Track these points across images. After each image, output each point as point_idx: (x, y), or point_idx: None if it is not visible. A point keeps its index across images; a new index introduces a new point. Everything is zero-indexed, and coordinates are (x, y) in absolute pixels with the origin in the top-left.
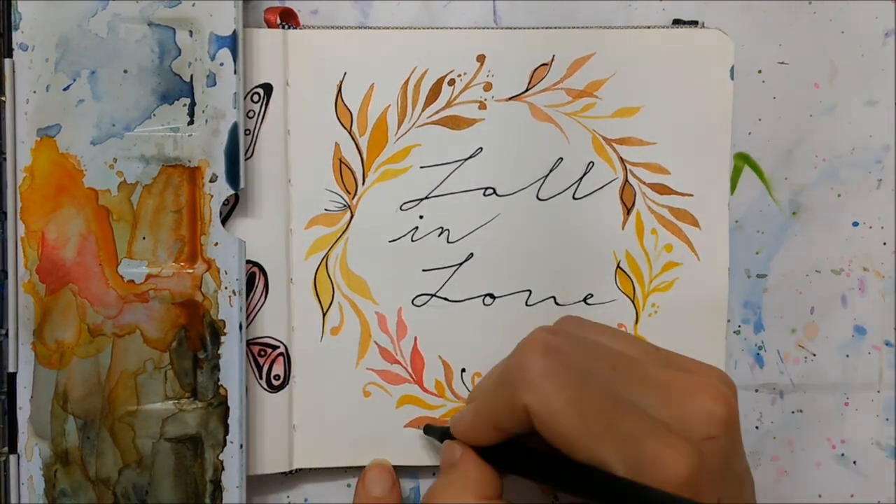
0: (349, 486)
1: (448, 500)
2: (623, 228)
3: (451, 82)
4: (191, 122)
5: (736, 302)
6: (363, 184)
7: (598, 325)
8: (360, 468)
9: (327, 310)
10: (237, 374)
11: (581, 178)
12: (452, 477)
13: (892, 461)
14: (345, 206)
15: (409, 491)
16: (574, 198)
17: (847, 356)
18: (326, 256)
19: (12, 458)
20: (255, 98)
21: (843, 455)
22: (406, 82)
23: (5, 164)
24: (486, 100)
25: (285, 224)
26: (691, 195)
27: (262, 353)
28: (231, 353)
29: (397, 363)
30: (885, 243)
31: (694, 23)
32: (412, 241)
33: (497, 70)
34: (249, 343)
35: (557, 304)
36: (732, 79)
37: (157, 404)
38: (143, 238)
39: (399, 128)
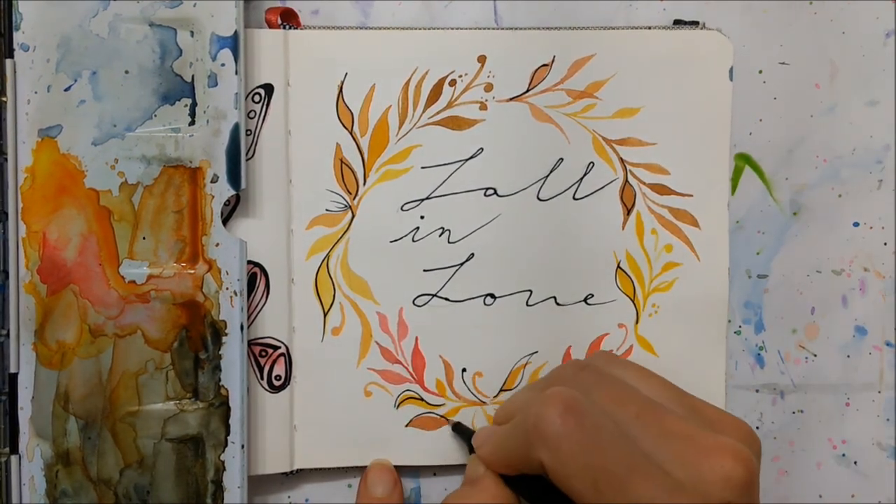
0: (350, 486)
1: None
2: (623, 229)
3: (452, 83)
4: (192, 123)
5: (737, 302)
6: (364, 184)
7: (628, 363)
8: (362, 468)
9: (328, 310)
10: (238, 375)
11: (581, 179)
12: (471, 493)
13: (893, 461)
14: (346, 206)
15: (410, 491)
16: (574, 198)
17: (848, 356)
18: (327, 257)
19: (13, 458)
20: (257, 98)
21: (843, 455)
22: (407, 83)
23: (6, 165)
24: (486, 100)
25: (286, 224)
26: (691, 195)
27: (264, 353)
28: (232, 353)
29: (398, 363)
30: (885, 243)
31: (695, 23)
32: (413, 241)
33: (498, 71)
34: (250, 343)
35: (558, 304)
36: (732, 80)
37: (159, 405)
38: (144, 238)
39: (400, 128)
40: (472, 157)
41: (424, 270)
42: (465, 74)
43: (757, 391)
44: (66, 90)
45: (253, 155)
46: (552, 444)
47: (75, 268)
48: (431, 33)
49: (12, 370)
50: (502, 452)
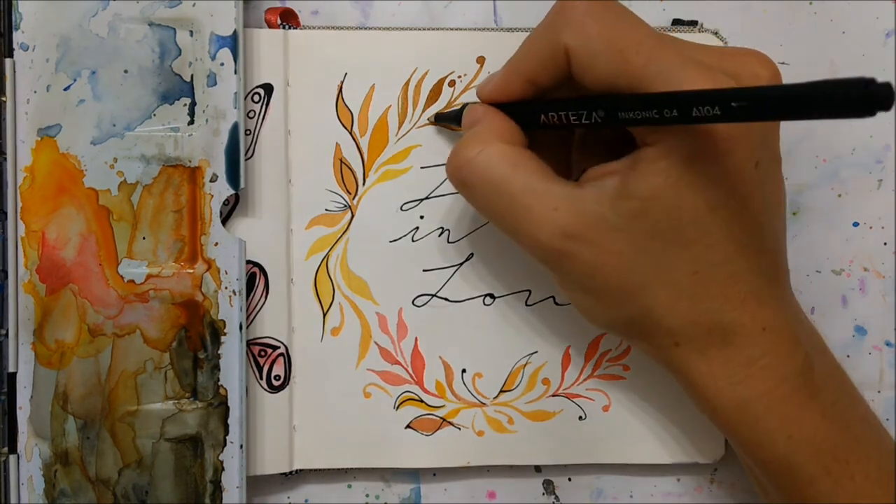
0: (350, 486)
1: (473, 147)
2: None
3: (452, 83)
4: (191, 122)
5: None
6: (364, 184)
7: None
8: (361, 469)
9: (328, 310)
10: (237, 375)
11: None
12: (476, 129)
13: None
14: (345, 206)
15: (410, 492)
16: None
17: (847, 356)
18: (327, 257)
19: (12, 458)
20: (256, 98)
21: None
22: (407, 83)
23: (6, 164)
24: None
25: (286, 224)
26: None
27: (263, 353)
28: (231, 353)
29: (398, 364)
30: (885, 243)
31: (693, 23)
32: (412, 241)
33: None
34: (250, 343)
35: (557, 303)
36: None
37: (158, 404)
38: (144, 238)
39: (399, 128)
40: None
41: (424, 270)
42: (465, 75)
43: None
44: (65, 90)
45: (252, 154)
46: (578, 23)
47: (74, 267)
48: (431, 34)
49: (11, 369)
50: (515, 71)
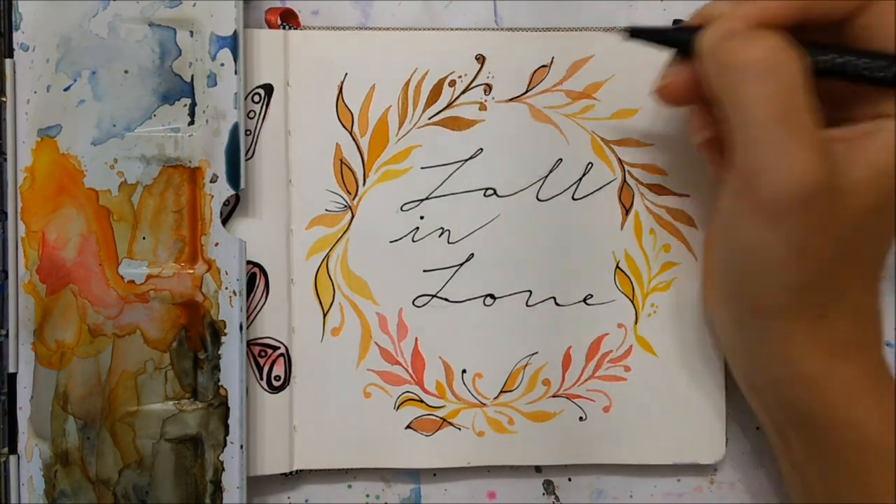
0: (350, 486)
1: (770, 38)
2: (622, 229)
3: (452, 83)
4: (191, 123)
5: None
6: (364, 184)
7: None
8: (361, 469)
9: (328, 310)
10: (237, 375)
11: (580, 179)
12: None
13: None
14: (345, 206)
15: (410, 492)
16: (573, 198)
17: None
18: (327, 257)
19: (12, 458)
20: (256, 98)
21: None
22: (407, 83)
23: (6, 165)
24: (486, 101)
25: (286, 224)
26: (687, 195)
27: (263, 353)
28: (231, 353)
29: (398, 364)
30: None
31: None
32: (413, 241)
33: (497, 71)
34: (250, 343)
35: (557, 304)
36: None
37: (158, 405)
38: (144, 238)
39: (400, 128)
40: (471, 158)
41: (424, 271)
42: (465, 75)
43: None
44: (65, 90)
45: (252, 155)
46: None
47: (74, 267)
48: (431, 34)
49: (11, 370)
50: None
